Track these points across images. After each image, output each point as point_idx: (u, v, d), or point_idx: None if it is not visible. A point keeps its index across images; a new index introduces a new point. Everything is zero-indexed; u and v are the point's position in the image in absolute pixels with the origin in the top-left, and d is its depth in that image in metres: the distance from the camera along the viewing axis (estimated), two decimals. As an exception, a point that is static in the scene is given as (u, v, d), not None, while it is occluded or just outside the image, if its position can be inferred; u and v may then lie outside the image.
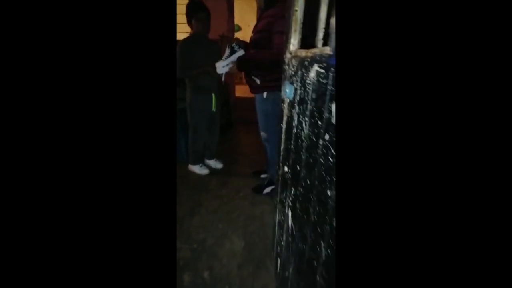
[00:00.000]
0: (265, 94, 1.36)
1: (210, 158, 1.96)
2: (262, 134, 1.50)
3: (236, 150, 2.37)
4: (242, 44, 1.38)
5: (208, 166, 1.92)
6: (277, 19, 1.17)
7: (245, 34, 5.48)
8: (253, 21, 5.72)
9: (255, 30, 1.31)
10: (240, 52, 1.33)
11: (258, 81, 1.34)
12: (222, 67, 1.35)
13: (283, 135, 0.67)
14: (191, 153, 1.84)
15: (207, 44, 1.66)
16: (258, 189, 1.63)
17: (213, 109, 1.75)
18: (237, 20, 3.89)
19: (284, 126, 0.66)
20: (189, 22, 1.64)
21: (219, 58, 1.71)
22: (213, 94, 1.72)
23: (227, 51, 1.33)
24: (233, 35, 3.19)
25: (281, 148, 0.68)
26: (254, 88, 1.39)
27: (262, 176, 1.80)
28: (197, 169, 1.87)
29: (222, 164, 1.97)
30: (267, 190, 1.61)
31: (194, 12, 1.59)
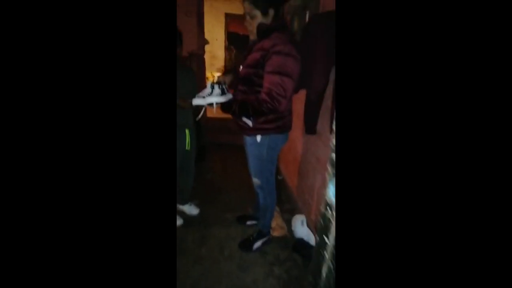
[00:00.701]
0: (258, 138, 1.14)
1: (183, 203, 1.63)
2: (255, 180, 1.26)
3: (212, 186, 2.07)
4: (231, 77, 1.14)
5: (182, 213, 1.59)
6: (272, 54, 0.97)
7: (212, 47, 5.30)
8: (220, 36, 5.51)
9: (245, 64, 1.09)
10: (230, 95, 1.10)
11: (250, 123, 1.11)
12: (201, 102, 1.07)
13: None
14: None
15: (177, 71, 1.38)
16: (246, 245, 1.37)
17: (187, 147, 1.45)
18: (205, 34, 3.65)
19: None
20: None
21: (194, 86, 1.41)
22: (186, 130, 1.42)
23: (215, 89, 1.07)
24: (203, 52, 2.93)
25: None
26: (244, 130, 1.16)
27: (249, 223, 1.55)
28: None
29: (198, 208, 1.65)
30: (258, 244, 1.37)
31: None
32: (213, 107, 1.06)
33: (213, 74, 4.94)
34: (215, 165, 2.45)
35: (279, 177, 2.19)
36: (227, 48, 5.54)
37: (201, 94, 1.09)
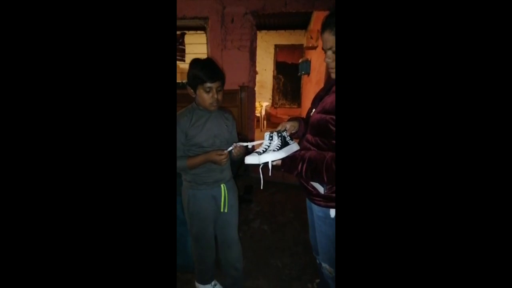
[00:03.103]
0: (332, 213, 0.79)
1: (233, 285, 1.21)
2: (325, 267, 0.90)
3: (260, 240, 1.73)
4: (295, 125, 0.87)
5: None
6: None
7: (261, 77, 5.32)
8: (269, 66, 5.55)
9: (320, 107, 0.81)
10: (294, 146, 0.82)
11: (321, 190, 0.79)
12: (255, 161, 0.79)
13: None
14: (198, 271, 1.22)
15: (214, 119, 1.02)
16: None
17: (222, 209, 1.08)
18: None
19: None
20: (192, 86, 0.97)
21: (233, 133, 1.09)
22: (222, 186, 1.06)
23: (274, 140, 0.81)
24: (254, 84, 2.84)
25: None
26: (311, 197, 0.84)
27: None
28: None
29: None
30: None
31: (202, 79, 0.92)
32: (268, 166, 0.78)
33: (261, 104, 4.89)
34: (264, 209, 2.14)
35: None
36: (275, 77, 5.54)
37: (264, 148, 0.84)
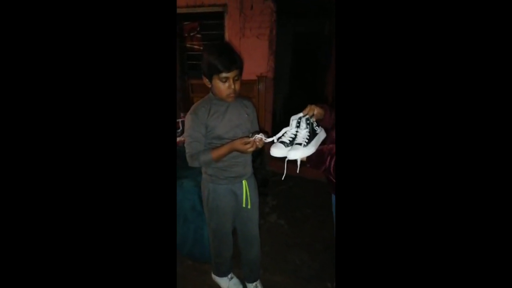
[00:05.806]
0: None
1: (251, 280, 1.20)
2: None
3: (276, 236, 1.70)
4: (322, 112, 0.79)
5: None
6: None
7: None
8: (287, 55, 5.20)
9: None
10: (322, 134, 0.75)
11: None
12: (282, 154, 0.74)
13: None
14: (215, 264, 1.21)
15: (233, 108, 0.95)
16: None
17: (244, 205, 1.04)
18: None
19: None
20: (207, 76, 0.89)
21: (254, 125, 1.02)
22: (244, 182, 1.02)
23: (302, 128, 0.74)
24: (273, 75, 2.74)
25: None
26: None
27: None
28: (224, 283, 1.23)
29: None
30: None
31: (218, 68, 0.83)
32: (297, 162, 0.72)
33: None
34: (280, 203, 2.10)
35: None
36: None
37: (280, 135, 0.77)
